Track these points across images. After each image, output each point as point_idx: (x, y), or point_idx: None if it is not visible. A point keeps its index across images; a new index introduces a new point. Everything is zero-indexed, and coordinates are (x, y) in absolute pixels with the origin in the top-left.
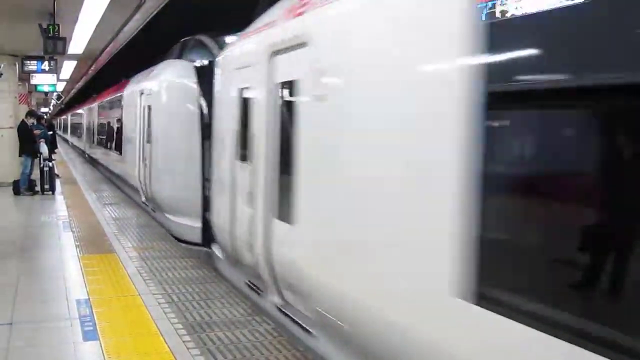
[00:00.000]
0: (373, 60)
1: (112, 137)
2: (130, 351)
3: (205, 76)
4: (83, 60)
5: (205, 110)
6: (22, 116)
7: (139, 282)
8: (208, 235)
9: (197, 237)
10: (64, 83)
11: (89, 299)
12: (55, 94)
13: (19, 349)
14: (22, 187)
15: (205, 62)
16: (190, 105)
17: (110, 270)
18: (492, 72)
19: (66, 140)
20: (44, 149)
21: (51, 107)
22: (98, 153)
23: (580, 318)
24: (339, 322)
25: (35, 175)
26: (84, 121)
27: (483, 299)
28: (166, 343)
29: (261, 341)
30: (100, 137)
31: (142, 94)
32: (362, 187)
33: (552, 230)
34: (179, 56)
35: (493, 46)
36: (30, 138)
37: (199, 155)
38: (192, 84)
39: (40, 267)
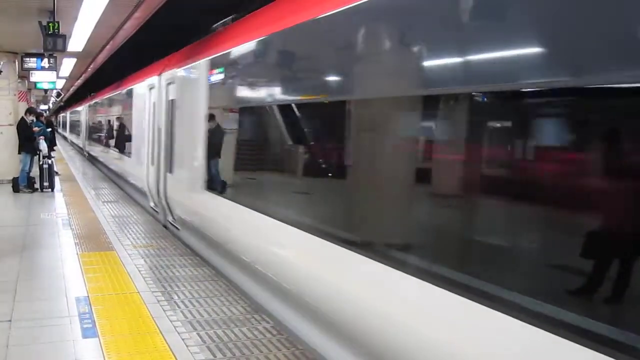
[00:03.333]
0: None
1: (74, 126)
2: (130, 349)
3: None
4: (82, 57)
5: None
6: (21, 113)
7: (139, 279)
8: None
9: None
10: (64, 80)
11: (88, 296)
12: (54, 91)
13: (19, 346)
14: (22, 184)
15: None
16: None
17: (109, 268)
18: None
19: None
20: (43, 146)
21: (50, 105)
22: (69, 134)
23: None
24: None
25: (35, 172)
26: (66, 120)
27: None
28: (165, 341)
29: (260, 339)
30: (71, 126)
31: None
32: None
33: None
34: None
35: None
36: (30, 135)
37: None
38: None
39: (39, 264)
